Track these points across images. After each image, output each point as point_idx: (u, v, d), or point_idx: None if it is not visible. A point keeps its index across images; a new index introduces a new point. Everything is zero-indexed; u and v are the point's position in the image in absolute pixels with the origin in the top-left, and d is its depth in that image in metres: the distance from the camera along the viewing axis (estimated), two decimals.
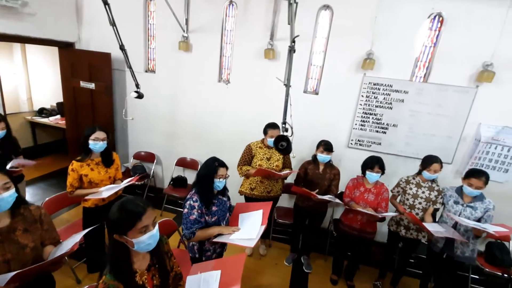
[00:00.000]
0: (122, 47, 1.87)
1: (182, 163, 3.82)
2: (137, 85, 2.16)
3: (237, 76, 3.41)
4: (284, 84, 1.80)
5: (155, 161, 3.94)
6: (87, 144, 2.13)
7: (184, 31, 3.38)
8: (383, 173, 2.41)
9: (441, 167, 2.36)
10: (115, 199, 2.38)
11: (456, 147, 2.92)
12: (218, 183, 1.79)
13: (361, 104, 3.06)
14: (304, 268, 2.93)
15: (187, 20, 3.37)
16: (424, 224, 2.21)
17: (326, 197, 2.42)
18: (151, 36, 3.71)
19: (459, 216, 2.25)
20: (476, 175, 2.18)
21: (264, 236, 3.17)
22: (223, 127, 3.58)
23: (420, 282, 2.71)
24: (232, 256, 1.66)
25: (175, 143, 3.87)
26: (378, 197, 2.44)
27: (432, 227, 2.19)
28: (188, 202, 1.78)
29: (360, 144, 3.17)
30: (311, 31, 3.05)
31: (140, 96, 2.14)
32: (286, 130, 1.76)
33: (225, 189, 1.98)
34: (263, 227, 1.82)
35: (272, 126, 2.62)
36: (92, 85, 3.79)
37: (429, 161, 2.37)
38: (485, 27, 2.62)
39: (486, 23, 2.61)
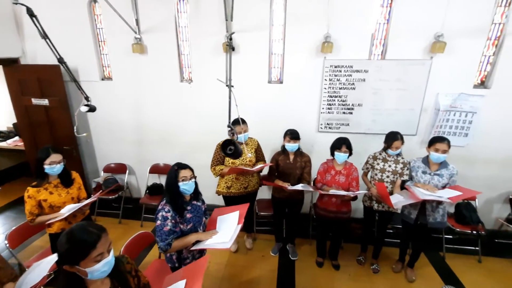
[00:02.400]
0: (61, 60, 1.72)
1: (156, 169, 3.70)
2: (86, 98, 2.02)
3: (199, 73, 3.30)
4: (226, 85, 1.72)
5: (127, 171, 3.79)
6: (42, 168, 1.99)
7: (136, 33, 3.20)
8: (351, 153, 2.47)
9: (403, 142, 2.44)
10: (83, 220, 2.27)
11: (419, 119, 3.03)
12: (184, 186, 1.74)
13: (325, 88, 3.08)
14: (290, 256, 2.99)
15: (137, 21, 3.19)
16: (390, 197, 2.31)
17: (298, 187, 2.45)
18: (101, 41, 3.49)
19: (429, 184, 2.35)
20: (439, 140, 2.29)
21: (249, 230, 3.18)
22: (193, 128, 3.49)
23: (399, 251, 2.85)
24: (196, 261, 1.66)
25: (145, 150, 3.73)
26: (349, 178, 2.51)
27: (393, 198, 2.29)
28: (160, 214, 1.72)
29: (329, 128, 3.21)
30: (267, 19, 2.99)
31: (91, 109, 2.00)
32: (233, 134, 1.72)
33: (198, 193, 1.93)
34: (239, 226, 1.81)
35: (238, 121, 2.57)
36: (45, 101, 3.53)
37: (390, 139, 2.45)
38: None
39: None
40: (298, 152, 2.66)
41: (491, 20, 2.73)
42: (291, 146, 2.57)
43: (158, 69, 3.32)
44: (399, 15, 2.80)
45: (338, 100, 3.10)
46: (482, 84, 2.95)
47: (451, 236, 3.20)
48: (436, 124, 2.96)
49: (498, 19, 2.76)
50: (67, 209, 2.05)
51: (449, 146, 2.27)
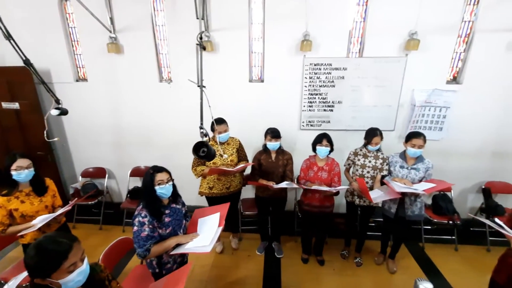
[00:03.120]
0: (27, 62, 1.62)
1: (137, 172, 3.61)
2: (57, 101, 1.92)
3: (178, 73, 3.23)
4: (198, 86, 1.69)
5: (106, 175, 3.67)
6: (9, 175, 1.89)
7: (111, 32, 3.09)
8: (332, 148, 2.50)
9: (382, 137, 2.51)
10: (58, 229, 2.17)
11: (396, 114, 3.12)
12: (161, 190, 1.69)
13: (306, 86, 3.10)
14: (276, 254, 3.00)
15: (112, 19, 3.08)
16: (370, 192, 2.36)
17: (283, 185, 2.47)
18: (74, 41, 3.35)
19: (406, 178, 2.43)
20: (415, 135, 2.36)
21: (234, 230, 3.16)
22: (174, 128, 3.42)
23: (381, 244, 2.93)
24: (179, 269, 1.63)
25: (125, 153, 3.63)
26: (331, 173, 2.55)
27: (373, 193, 2.35)
28: (137, 219, 1.67)
29: (311, 125, 3.24)
30: (246, 17, 2.97)
31: (63, 112, 1.90)
32: (205, 136, 1.69)
33: (177, 196, 1.89)
34: (220, 228, 1.79)
35: (218, 121, 2.55)
36: (16, 105, 3.36)
37: (370, 135, 2.52)
38: None
39: None
40: (280, 150, 2.67)
41: (461, 18, 2.84)
42: (272, 145, 2.58)
43: (135, 69, 3.23)
44: (375, 13, 2.86)
45: (318, 97, 3.13)
46: (454, 79, 3.07)
47: (429, 227, 3.32)
48: (413, 119, 3.06)
49: (467, 17, 2.87)
50: (40, 220, 1.94)
51: (424, 141, 2.35)
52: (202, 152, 1.58)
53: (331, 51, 2.98)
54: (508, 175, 3.23)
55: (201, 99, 1.67)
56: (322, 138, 2.47)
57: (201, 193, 2.73)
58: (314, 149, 2.55)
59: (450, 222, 2.99)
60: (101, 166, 3.71)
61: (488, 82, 2.93)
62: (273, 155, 2.66)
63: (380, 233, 2.96)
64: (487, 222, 1.58)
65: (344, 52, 2.99)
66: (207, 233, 1.76)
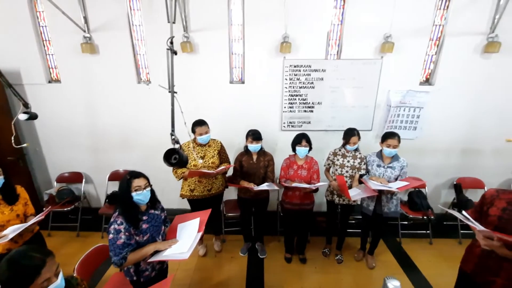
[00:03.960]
0: None
1: (116, 176, 3.50)
2: (25, 105, 1.83)
3: (157, 74, 3.16)
4: (169, 91, 1.66)
5: (83, 180, 3.54)
6: None
7: (84, 31, 2.97)
8: (311, 148, 2.56)
9: (359, 137, 2.58)
10: (31, 238, 2.08)
11: (373, 115, 3.22)
12: (138, 197, 1.66)
13: (286, 87, 3.13)
14: (259, 254, 3.01)
15: (85, 18, 2.97)
16: (349, 190, 2.43)
17: (264, 186, 2.49)
18: (46, 40, 3.20)
19: (383, 177, 2.51)
20: (390, 136, 2.45)
21: (217, 232, 3.14)
22: (153, 131, 3.34)
23: (360, 240, 3.02)
24: (158, 283, 1.61)
25: (102, 156, 3.51)
26: (310, 171, 2.60)
27: (352, 192, 2.43)
28: (112, 227, 1.63)
29: (292, 126, 3.28)
30: (226, 18, 2.96)
31: (32, 116, 1.82)
32: (177, 142, 1.67)
33: (155, 202, 1.86)
34: (199, 234, 1.77)
35: (198, 123, 2.53)
36: None
37: (348, 135, 2.59)
38: (382, 1, 2.84)
39: None
40: (261, 152, 2.69)
41: (432, 22, 2.97)
42: (253, 147, 2.59)
43: (112, 70, 3.13)
44: (351, 16, 2.93)
45: (299, 98, 3.17)
46: (427, 81, 3.21)
47: (406, 222, 3.46)
48: (389, 119, 3.17)
49: (438, 21, 3.01)
50: (11, 230, 1.85)
51: (399, 141, 2.44)
52: (174, 159, 1.55)
53: (310, 53, 3.03)
54: (477, 171, 3.41)
55: (172, 104, 1.65)
56: (301, 139, 2.52)
57: (182, 196, 2.70)
58: (294, 149, 2.60)
59: (425, 217, 3.12)
60: (78, 171, 3.57)
61: (458, 83, 3.09)
62: (255, 157, 2.67)
63: (360, 230, 3.05)
64: (457, 215, 1.67)
65: (323, 54, 3.05)
66: (186, 239, 1.74)
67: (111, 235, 1.61)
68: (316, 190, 2.65)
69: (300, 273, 2.81)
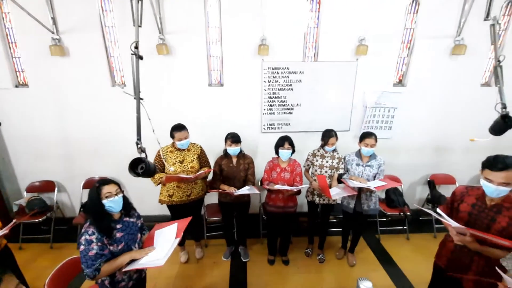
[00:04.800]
0: None
1: (91, 184, 3.34)
2: None
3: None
4: (134, 98, 1.62)
5: (56, 189, 3.37)
6: None
7: (53, 33, 2.84)
8: (293, 150, 2.57)
9: (337, 138, 2.63)
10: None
11: (351, 115, 3.30)
12: (110, 204, 1.59)
13: (265, 90, 3.14)
14: (242, 258, 2.99)
15: (54, 19, 2.83)
16: (330, 189, 2.47)
17: (244, 190, 2.47)
18: (12, 42, 3.02)
19: (362, 175, 2.58)
20: (368, 136, 2.52)
21: (198, 238, 3.08)
22: (129, 136, 3.20)
23: (341, 238, 3.08)
24: None
25: (76, 164, 3.36)
26: (293, 173, 2.62)
27: (332, 191, 2.47)
28: (83, 238, 1.56)
29: (272, 128, 3.30)
30: (202, 20, 2.93)
31: None
32: (143, 151, 1.63)
33: (130, 209, 1.80)
34: (177, 240, 1.73)
35: (178, 128, 2.47)
36: None
37: (326, 136, 2.63)
38: (356, 5, 2.92)
39: (355, 1, 2.90)
40: (241, 155, 2.67)
41: (404, 25, 3.09)
42: (233, 150, 2.57)
43: (84, 73, 3.01)
44: (327, 20, 2.99)
45: (278, 101, 3.19)
46: (400, 82, 3.34)
47: (384, 219, 3.56)
48: (365, 120, 3.26)
49: (409, 24, 3.13)
50: None
51: (376, 140, 2.51)
52: (140, 168, 1.50)
53: (288, 55, 3.06)
54: (449, 168, 3.59)
55: (138, 112, 1.60)
56: (284, 141, 2.52)
57: (161, 201, 2.63)
58: (277, 152, 2.60)
59: (401, 213, 3.23)
60: (50, 179, 3.39)
61: (428, 84, 3.23)
62: (234, 160, 2.65)
63: (341, 229, 3.11)
64: (432, 213, 1.73)
65: (301, 57, 3.09)
66: (163, 245, 1.69)
67: (82, 247, 1.54)
68: (299, 192, 2.67)
69: (283, 274, 2.82)
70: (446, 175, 3.58)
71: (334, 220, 3.56)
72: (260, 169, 2.78)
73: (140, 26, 1.56)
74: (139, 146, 1.56)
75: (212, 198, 3.35)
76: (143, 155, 1.57)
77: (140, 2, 1.51)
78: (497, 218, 1.50)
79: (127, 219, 1.75)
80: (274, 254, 3.00)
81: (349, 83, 3.15)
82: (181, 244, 2.95)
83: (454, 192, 1.75)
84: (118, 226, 1.67)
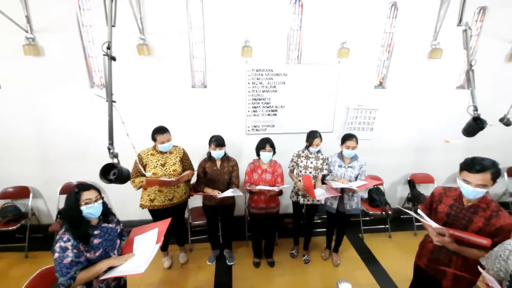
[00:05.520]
0: None
1: (69, 189, 3.19)
2: None
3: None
4: (106, 100, 1.57)
5: (31, 195, 3.21)
6: None
7: (27, 32, 2.71)
8: (274, 151, 2.57)
9: (321, 139, 2.66)
10: None
11: (334, 117, 3.35)
12: (88, 210, 1.53)
13: (249, 91, 3.14)
14: (227, 261, 2.96)
15: (28, 18, 2.70)
16: (314, 190, 2.49)
17: (228, 193, 2.45)
18: None
19: (344, 176, 2.61)
20: (349, 138, 2.56)
21: (181, 243, 3.01)
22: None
23: (326, 239, 3.11)
24: None
25: (53, 168, 3.21)
26: (274, 174, 2.63)
27: (316, 192, 2.50)
28: (58, 245, 1.49)
29: (256, 130, 3.29)
30: (185, 21, 2.89)
31: None
32: (115, 157, 1.58)
33: (108, 214, 1.73)
34: (158, 246, 1.68)
35: (160, 131, 2.42)
36: None
37: (311, 137, 2.66)
38: (337, 9, 2.96)
39: (337, 5, 2.95)
40: (225, 157, 2.65)
41: (383, 30, 3.18)
42: (217, 154, 2.54)
43: (60, 74, 2.88)
44: (309, 23, 3.02)
45: (262, 102, 3.20)
46: (381, 84, 3.42)
47: (367, 218, 3.64)
48: (348, 121, 3.32)
49: (388, 28, 3.22)
50: None
51: (357, 141, 2.56)
52: (113, 174, 1.45)
53: (271, 57, 3.07)
54: (428, 167, 3.71)
55: (110, 115, 1.55)
56: (265, 144, 2.53)
57: (142, 206, 2.56)
58: (258, 154, 2.60)
59: (383, 212, 3.31)
60: (24, 185, 3.23)
61: (408, 86, 3.33)
62: (218, 163, 2.63)
63: (325, 229, 3.14)
64: (410, 212, 1.77)
65: (284, 59, 3.10)
66: (143, 252, 1.64)
67: (56, 254, 1.47)
68: (281, 192, 2.68)
69: (269, 277, 2.81)
70: (425, 175, 3.70)
71: (319, 221, 3.60)
72: (244, 172, 2.76)
73: (113, 26, 1.51)
74: (111, 151, 1.50)
75: (196, 201, 3.31)
76: (115, 160, 1.51)
77: (113, 0, 1.45)
78: (473, 218, 1.54)
79: (105, 224, 1.69)
80: (260, 256, 2.99)
81: (332, 85, 3.20)
82: (164, 249, 2.88)
83: (433, 193, 1.79)
84: (96, 232, 1.61)
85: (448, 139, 2.34)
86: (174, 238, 2.93)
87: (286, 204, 3.51)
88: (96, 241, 1.59)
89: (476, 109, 2.19)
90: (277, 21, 2.96)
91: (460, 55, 3.25)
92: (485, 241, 1.37)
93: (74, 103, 3.00)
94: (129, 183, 2.42)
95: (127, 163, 1.99)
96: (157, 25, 2.84)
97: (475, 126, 2.20)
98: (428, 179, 3.69)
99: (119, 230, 1.80)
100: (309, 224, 2.97)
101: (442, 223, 1.64)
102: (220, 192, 2.50)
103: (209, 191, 2.53)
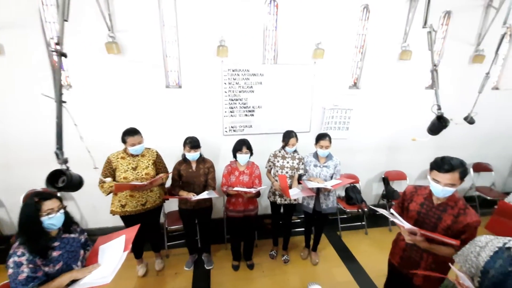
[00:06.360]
0: None
1: None
2: None
3: (79, 78, 2.82)
4: (55, 101, 1.48)
5: None
6: None
7: None
8: (252, 153, 2.54)
9: (297, 139, 2.67)
10: None
11: (310, 117, 3.39)
12: (50, 221, 1.43)
13: (226, 92, 3.09)
14: (205, 266, 2.89)
15: None
16: (289, 190, 2.49)
17: (204, 195, 2.39)
18: None
19: (319, 176, 2.63)
20: (322, 138, 2.59)
21: (157, 249, 2.89)
22: (77, 142, 2.95)
23: (304, 238, 3.13)
24: None
25: (14, 175, 2.98)
26: (252, 176, 2.60)
27: (292, 191, 2.50)
28: (11, 260, 1.37)
29: (234, 131, 3.25)
30: (157, 19, 2.79)
31: None
32: (65, 162, 1.49)
33: (70, 224, 1.62)
34: (125, 254, 1.59)
35: (130, 132, 2.30)
36: None
37: (286, 137, 2.66)
38: (312, 10, 2.99)
39: (312, 5, 2.98)
40: (201, 159, 2.58)
41: (356, 31, 3.25)
42: (192, 156, 2.47)
43: (20, 73, 2.68)
44: (285, 23, 3.03)
45: (239, 103, 3.16)
46: (355, 85, 3.50)
47: (345, 216, 3.70)
48: (324, 121, 3.37)
49: (361, 30, 3.31)
50: None
51: (330, 141, 2.59)
52: (62, 182, 1.35)
53: (248, 57, 3.04)
54: (400, 165, 3.85)
55: (58, 117, 1.44)
56: (242, 146, 2.48)
57: (112, 212, 2.43)
58: (235, 156, 2.55)
59: (359, 210, 3.38)
60: None
61: (380, 87, 3.44)
62: (194, 165, 2.55)
63: (303, 229, 3.16)
64: (383, 212, 1.79)
65: (261, 59, 3.09)
66: (109, 261, 1.55)
67: (10, 270, 1.36)
68: (258, 194, 2.65)
69: (248, 279, 2.77)
70: (398, 172, 3.83)
71: (298, 220, 3.62)
72: (222, 173, 2.70)
73: (66, 20, 1.40)
74: (59, 156, 1.40)
75: (172, 205, 3.20)
76: (64, 166, 1.41)
77: None
78: (443, 216, 1.58)
79: (66, 235, 1.58)
80: (239, 259, 2.94)
81: (308, 86, 3.23)
82: (138, 256, 2.76)
83: (405, 191, 1.83)
84: (55, 244, 1.50)
85: (415, 137, 2.42)
86: (148, 245, 2.82)
87: (265, 205, 3.50)
88: (55, 253, 1.48)
89: (439, 108, 2.28)
90: (253, 20, 2.95)
91: (428, 56, 3.39)
92: (454, 242, 1.42)
93: (37, 104, 2.78)
94: (97, 188, 2.31)
95: (88, 169, 1.89)
96: (127, 22, 2.72)
97: (438, 124, 2.29)
98: (401, 176, 3.82)
99: (83, 240, 1.69)
100: (287, 224, 2.96)
101: (413, 221, 1.69)
102: (195, 194, 2.43)
103: (184, 194, 2.45)
